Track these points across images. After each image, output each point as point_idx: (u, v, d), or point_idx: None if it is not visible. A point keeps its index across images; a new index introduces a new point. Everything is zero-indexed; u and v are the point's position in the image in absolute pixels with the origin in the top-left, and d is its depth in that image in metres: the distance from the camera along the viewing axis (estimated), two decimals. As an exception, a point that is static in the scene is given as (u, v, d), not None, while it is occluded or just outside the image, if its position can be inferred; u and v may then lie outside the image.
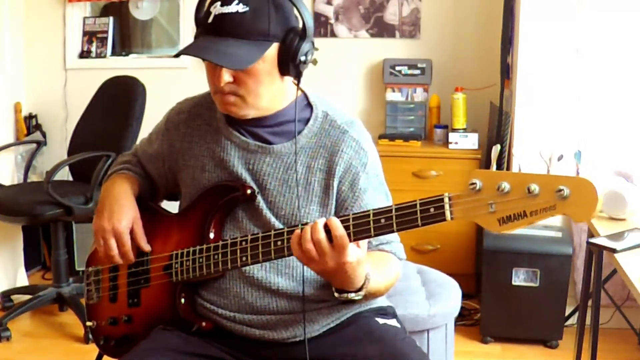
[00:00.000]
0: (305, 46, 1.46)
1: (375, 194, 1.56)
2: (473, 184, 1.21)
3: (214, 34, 1.43)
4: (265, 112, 1.54)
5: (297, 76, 1.50)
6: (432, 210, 1.25)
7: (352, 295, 1.40)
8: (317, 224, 1.32)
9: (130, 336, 1.62)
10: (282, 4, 1.45)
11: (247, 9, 1.41)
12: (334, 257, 1.31)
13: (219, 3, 1.43)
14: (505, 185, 1.17)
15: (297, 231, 1.34)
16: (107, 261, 1.66)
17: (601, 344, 2.43)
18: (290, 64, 1.47)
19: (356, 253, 1.32)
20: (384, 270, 1.50)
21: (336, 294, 1.42)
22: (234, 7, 1.41)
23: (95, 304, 1.70)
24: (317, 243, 1.31)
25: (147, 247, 1.60)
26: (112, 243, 1.58)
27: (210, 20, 1.43)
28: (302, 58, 1.47)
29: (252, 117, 1.53)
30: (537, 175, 1.16)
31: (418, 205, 1.27)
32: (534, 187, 1.15)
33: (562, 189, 1.12)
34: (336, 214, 1.53)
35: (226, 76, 1.45)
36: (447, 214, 1.24)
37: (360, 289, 1.40)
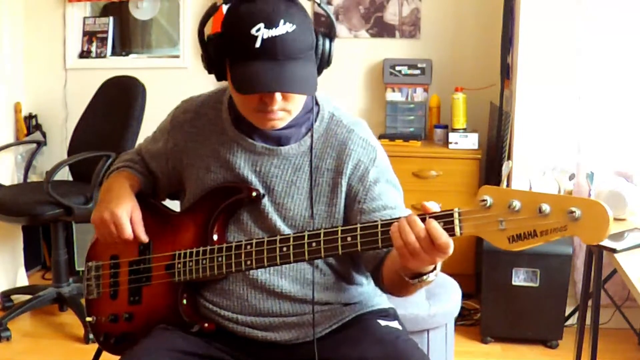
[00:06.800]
0: (333, 46, 1.50)
1: (388, 186, 1.56)
2: (484, 200, 1.20)
3: (267, 58, 1.37)
4: None
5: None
6: (441, 224, 1.23)
7: (431, 277, 1.34)
8: (417, 223, 1.24)
9: (130, 334, 1.62)
10: (305, 9, 1.45)
11: (295, 26, 1.38)
12: (439, 256, 1.25)
13: (262, 25, 1.36)
14: (517, 204, 1.17)
15: (396, 224, 1.27)
16: (106, 255, 1.66)
17: (601, 344, 2.43)
18: (323, 68, 1.50)
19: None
20: None
21: (412, 281, 1.34)
22: (282, 28, 1.37)
23: (96, 300, 1.69)
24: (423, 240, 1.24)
25: (144, 238, 1.59)
26: (112, 228, 1.56)
27: (257, 44, 1.36)
28: (332, 59, 1.50)
29: None
30: (549, 195, 1.16)
31: (427, 219, 1.25)
32: (545, 207, 1.14)
33: (574, 211, 1.12)
34: (347, 210, 1.53)
35: (279, 96, 1.42)
36: (457, 229, 1.23)
37: (434, 268, 1.33)
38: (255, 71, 1.37)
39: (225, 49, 1.44)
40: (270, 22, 1.36)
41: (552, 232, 1.15)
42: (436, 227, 1.22)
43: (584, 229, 1.12)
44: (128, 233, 1.56)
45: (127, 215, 1.57)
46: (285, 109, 1.46)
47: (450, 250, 1.24)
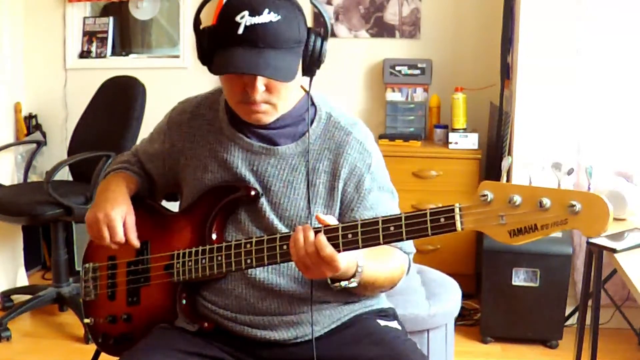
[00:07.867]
0: (326, 46, 1.49)
1: (381, 193, 1.56)
2: (484, 195, 1.21)
3: (248, 45, 1.39)
4: None
5: (313, 76, 1.51)
6: (442, 220, 1.25)
7: (344, 284, 1.41)
8: (308, 240, 1.33)
9: (129, 335, 1.62)
10: (300, 6, 1.46)
11: (280, 17, 1.39)
12: (328, 269, 1.33)
13: (246, 13, 1.39)
14: (517, 198, 1.18)
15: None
16: (104, 256, 1.66)
17: (601, 344, 2.43)
18: (314, 66, 1.49)
19: (345, 259, 1.34)
20: (384, 261, 1.50)
21: (332, 285, 1.43)
22: (266, 17, 1.39)
23: (93, 301, 1.69)
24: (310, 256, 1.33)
25: (136, 243, 1.58)
26: (105, 230, 1.55)
27: (240, 31, 1.39)
28: (324, 58, 1.49)
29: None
30: (549, 189, 1.17)
31: (428, 215, 1.27)
32: (546, 201, 1.15)
33: (574, 204, 1.13)
34: (341, 215, 1.54)
35: (261, 86, 1.43)
36: (458, 224, 1.24)
37: (353, 276, 1.40)
38: (235, 56, 1.40)
39: (214, 38, 1.46)
40: (255, 10, 1.39)
41: (552, 226, 1.16)
42: (322, 239, 1.31)
43: (584, 222, 1.13)
44: (120, 236, 1.56)
45: (120, 218, 1.57)
46: (269, 102, 1.46)
47: (337, 264, 1.31)
